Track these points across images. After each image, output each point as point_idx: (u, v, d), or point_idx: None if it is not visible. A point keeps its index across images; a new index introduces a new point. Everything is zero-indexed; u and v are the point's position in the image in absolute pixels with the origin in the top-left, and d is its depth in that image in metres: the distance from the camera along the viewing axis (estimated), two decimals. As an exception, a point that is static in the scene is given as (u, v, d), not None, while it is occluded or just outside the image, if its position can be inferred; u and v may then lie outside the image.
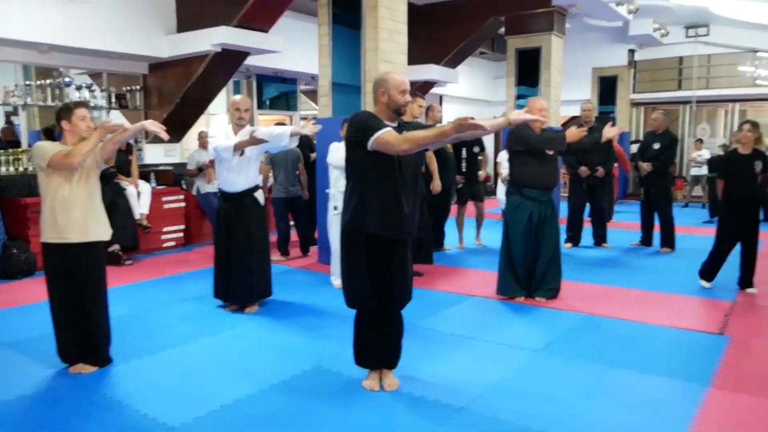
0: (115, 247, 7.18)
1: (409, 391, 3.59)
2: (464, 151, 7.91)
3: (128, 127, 3.93)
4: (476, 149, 7.96)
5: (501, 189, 8.03)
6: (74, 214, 3.75)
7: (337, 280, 5.95)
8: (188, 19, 8.41)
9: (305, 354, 4.23)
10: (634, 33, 13.60)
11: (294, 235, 7.86)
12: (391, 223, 3.35)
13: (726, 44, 14.10)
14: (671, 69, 15.12)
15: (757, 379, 3.80)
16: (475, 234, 8.48)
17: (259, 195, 5.27)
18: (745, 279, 5.85)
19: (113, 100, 8.72)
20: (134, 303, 5.57)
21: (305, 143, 7.64)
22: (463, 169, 7.95)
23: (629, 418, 3.28)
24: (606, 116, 13.99)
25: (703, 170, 12.35)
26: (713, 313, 5.23)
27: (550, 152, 5.46)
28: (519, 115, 3.39)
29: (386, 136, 3.19)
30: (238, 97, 5.24)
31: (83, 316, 3.86)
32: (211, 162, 7.74)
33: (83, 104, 3.97)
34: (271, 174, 7.57)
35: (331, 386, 3.69)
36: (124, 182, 7.51)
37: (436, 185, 6.63)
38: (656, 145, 7.89)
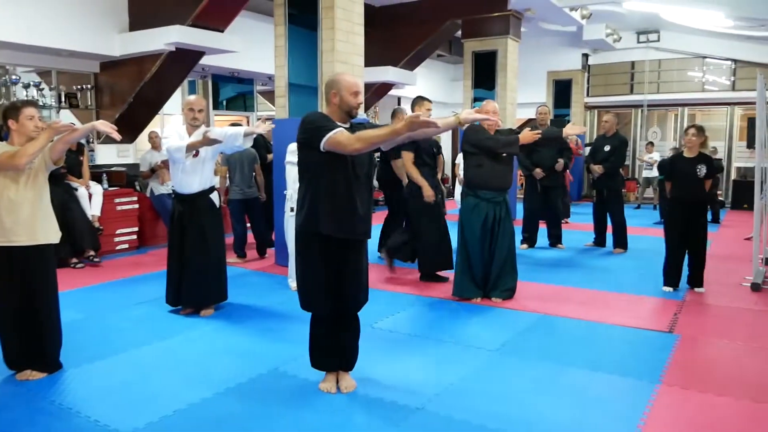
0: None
1: (366, 392, 3.59)
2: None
3: (78, 127, 3.83)
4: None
5: (459, 190, 8.07)
6: (21, 217, 3.65)
7: (294, 282, 5.91)
8: (141, 17, 8.24)
9: (262, 357, 4.19)
10: (588, 38, 13.89)
11: (251, 237, 7.80)
12: (345, 224, 3.34)
13: (676, 50, 14.51)
14: (623, 73, 15.48)
15: (704, 376, 3.92)
16: None
17: (214, 197, 5.19)
18: (694, 278, 6.00)
19: (63, 99, 8.49)
20: (86, 307, 5.44)
21: (262, 144, 7.58)
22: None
23: (582, 415, 3.34)
24: (561, 119, 14.29)
25: (654, 172, 12.66)
26: (663, 312, 5.35)
27: (504, 153, 5.52)
28: (469, 115, 3.43)
29: (338, 136, 3.18)
30: (192, 97, 5.16)
31: (32, 321, 3.75)
32: (164, 163, 7.63)
33: (31, 103, 3.87)
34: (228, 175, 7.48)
35: (287, 389, 3.66)
36: (75, 183, 7.34)
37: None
38: (607, 148, 8.04)
